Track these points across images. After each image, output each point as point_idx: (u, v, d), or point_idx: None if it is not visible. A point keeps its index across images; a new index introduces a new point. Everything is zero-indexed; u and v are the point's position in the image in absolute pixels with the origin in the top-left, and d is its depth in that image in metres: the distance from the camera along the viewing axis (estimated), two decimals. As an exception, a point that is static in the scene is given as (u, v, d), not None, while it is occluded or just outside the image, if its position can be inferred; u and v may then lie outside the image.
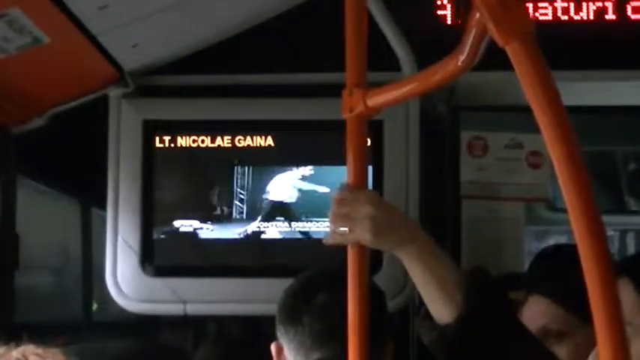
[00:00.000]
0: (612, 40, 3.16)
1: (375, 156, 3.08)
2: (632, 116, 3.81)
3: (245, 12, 3.14)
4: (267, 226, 3.15)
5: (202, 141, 3.17)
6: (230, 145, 3.17)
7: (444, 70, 1.48)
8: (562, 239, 4.46)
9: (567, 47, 3.08)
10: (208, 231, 3.15)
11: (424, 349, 2.08)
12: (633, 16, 3.17)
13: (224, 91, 3.21)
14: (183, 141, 3.17)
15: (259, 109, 3.18)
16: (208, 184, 3.18)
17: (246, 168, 3.17)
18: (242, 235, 3.16)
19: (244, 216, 3.15)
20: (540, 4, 3.12)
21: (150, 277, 3.13)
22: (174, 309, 3.14)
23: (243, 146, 3.17)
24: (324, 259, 2.24)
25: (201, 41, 3.19)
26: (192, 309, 3.14)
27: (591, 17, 3.17)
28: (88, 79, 3.09)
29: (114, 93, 3.17)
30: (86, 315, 3.87)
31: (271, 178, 3.17)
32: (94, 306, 3.88)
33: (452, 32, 3.15)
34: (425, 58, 3.03)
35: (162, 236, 3.16)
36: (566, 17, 3.17)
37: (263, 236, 3.15)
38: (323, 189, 3.13)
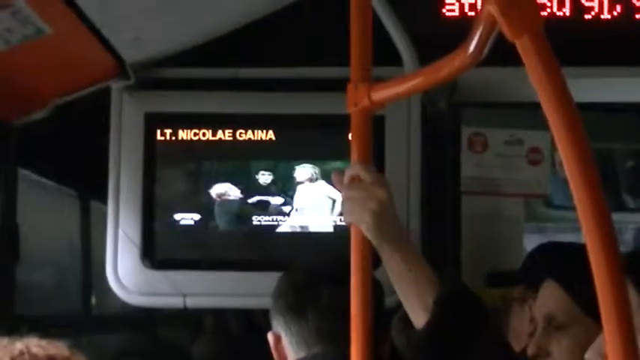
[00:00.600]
0: (609, 36, 3.16)
1: (377, 151, 3.08)
2: (631, 113, 3.82)
3: (247, 5, 3.14)
4: (268, 220, 3.15)
5: (203, 134, 3.18)
6: (231, 138, 3.17)
7: (451, 65, 1.48)
8: (560, 236, 4.47)
9: (562, 43, 3.08)
10: (209, 224, 3.15)
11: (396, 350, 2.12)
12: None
13: (226, 85, 3.21)
14: (184, 134, 3.17)
15: (261, 102, 3.18)
16: (209, 177, 3.18)
17: (247, 162, 3.18)
18: (243, 229, 3.16)
19: (245, 209, 3.16)
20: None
21: (150, 270, 3.13)
22: (174, 302, 3.15)
23: (244, 140, 3.17)
24: (325, 253, 2.24)
25: (203, 34, 3.18)
26: (192, 302, 3.14)
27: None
28: (89, 72, 3.09)
29: (115, 86, 3.17)
30: (86, 308, 3.88)
31: (274, 173, 3.17)
32: (94, 299, 3.88)
33: (453, 27, 3.15)
34: (426, 53, 3.06)
35: (163, 229, 3.16)
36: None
37: (264, 230, 3.15)
38: (326, 187, 3.13)
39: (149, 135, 3.17)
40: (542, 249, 2.82)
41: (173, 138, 3.18)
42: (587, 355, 1.84)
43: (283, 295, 2.22)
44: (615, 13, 3.15)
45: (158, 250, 3.15)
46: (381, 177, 2.00)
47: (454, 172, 3.39)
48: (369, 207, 1.93)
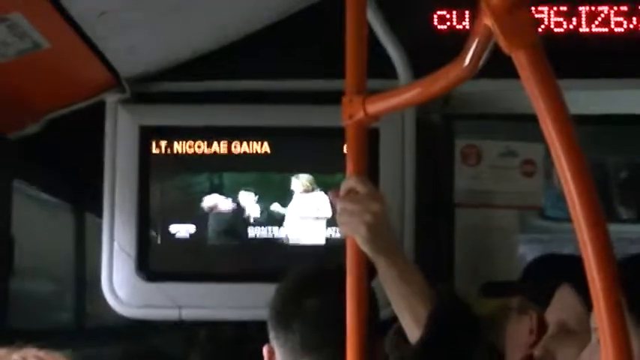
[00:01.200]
0: (602, 49, 3.17)
1: (371, 163, 3.09)
2: (624, 125, 3.83)
3: (242, 19, 3.15)
4: (263, 232, 3.16)
5: (198, 147, 3.18)
6: (226, 151, 3.18)
7: (446, 77, 1.49)
8: (554, 248, 4.47)
9: (557, 56, 3.09)
10: (204, 236, 3.16)
11: None
12: (617, 30, 3.17)
13: (220, 98, 3.22)
14: (179, 147, 3.18)
15: (256, 115, 3.19)
16: (204, 189, 3.19)
17: (242, 174, 3.19)
18: (238, 241, 3.17)
19: (241, 222, 3.16)
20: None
21: (145, 282, 3.14)
22: (169, 314, 3.15)
23: (239, 153, 3.18)
24: (312, 264, 2.25)
25: (198, 48, 3.19)
26: (188, 314, 3.15)
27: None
28: (85, 85, 3.09)
29: (110, 99, 3.18)
30: (81, 320, 3.87)
31: (269, 185, 3.18)
32: (88, 311, 3.88)
33: (447, 40, 3.17)
34: (419, 65, 3.07)
35: (158, 242, 3.16)
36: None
37: (259, 242, 3.16)
38: (321, 198, 3.14)
39: (144, 148, 3.17)
40: (547, 259, 2.80)
41: (168, 151, 3.18)
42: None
43: (272, 307, 2.23)
44: (612, 26, 3.16)
45: (153, 263, 3.15)
46: (376, 190, 2.01)
47: (448, 185, 3.40)
48: (364, 220, 1.94)
